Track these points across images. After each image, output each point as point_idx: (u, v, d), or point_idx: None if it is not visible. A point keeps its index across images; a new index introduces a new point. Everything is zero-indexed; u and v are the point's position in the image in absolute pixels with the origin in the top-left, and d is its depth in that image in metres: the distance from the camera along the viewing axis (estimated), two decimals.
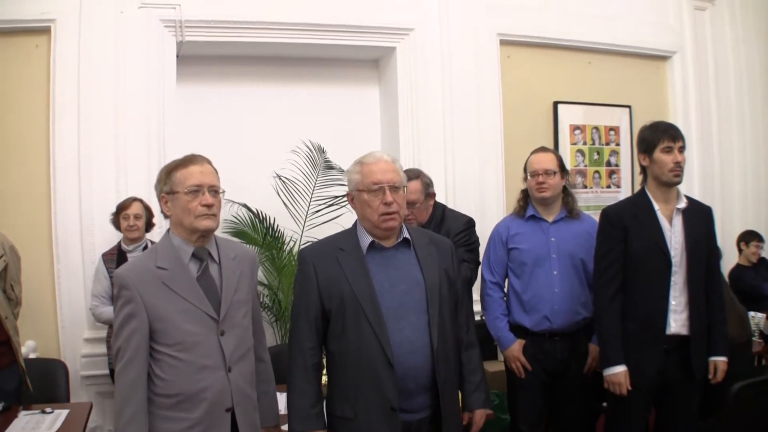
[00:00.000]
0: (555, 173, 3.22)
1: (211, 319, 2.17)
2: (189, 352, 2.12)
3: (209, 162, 2.26)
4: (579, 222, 3.28)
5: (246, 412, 2.23)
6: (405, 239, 2.34)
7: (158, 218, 4.11)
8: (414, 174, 3.49)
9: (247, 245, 4.26)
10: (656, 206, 2.90)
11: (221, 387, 2.15)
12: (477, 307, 3.47)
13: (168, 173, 2.21)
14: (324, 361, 2.39)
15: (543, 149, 3.36)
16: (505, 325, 3.30)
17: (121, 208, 4.03)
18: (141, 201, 4.07)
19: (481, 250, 3.56)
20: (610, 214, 3.01)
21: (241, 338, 2.25)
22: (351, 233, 2.37)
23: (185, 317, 2.13)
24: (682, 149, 2.88)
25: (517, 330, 3.27)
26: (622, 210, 3.00)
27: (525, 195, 3.36)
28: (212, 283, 2.22)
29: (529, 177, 3.28)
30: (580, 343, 3.22)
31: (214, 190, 2.21)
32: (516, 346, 3.23)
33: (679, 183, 2.89)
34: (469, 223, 3.60)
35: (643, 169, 2.98)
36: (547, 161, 3.23)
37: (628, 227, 2.90)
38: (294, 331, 2.32)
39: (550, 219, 3.27)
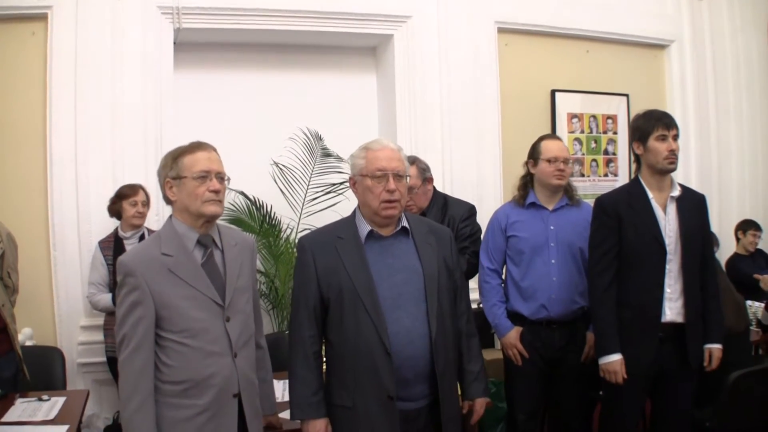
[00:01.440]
0: (570, 162, 3.25)
1: (217, 306, 2.18)
2: (196, 338, 2.13)
3: (215, 149, 2.27)
4: (578, 210, 3.27)
5: (251, 398, 2.25)
6: (404, 228, 2.34)
7: (153, 206, 4.11)
8: (410, 160, 3.47)
9: (245, 233, 4.25)
10: (650, 194, 2.90)
11: (229, 373, 2.16)
12: (475, 294, 3.47)
13: (174, 159, 2.22)
14: (323, 350, 2.39)
15: (553, 136, 3.36)
16: (503, 312, 3.30)
17: (128, 194, 3.99)
18: (143, 188, 4.06)
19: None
20: (604, 202, 3.00)
21: (245, 324, 2.27)
22: (350, 221, 2.37)
23: (191, 304, 2.14)
24: (676, 137, 2.87)
25: (515, 318, 3.27)
26: (617, 199, 2.99)
27: (525, 182, 3.34)
28: (216, 269, 2.23)
29: (545, 163, 3.21)
30: (577, 331, 3.22)
31: (221, 177, 2.22)
32: (513, 334, 3.23)
33: (673, 170, 2.89)
34: (472, 210, 3.60)
35: (637, 158, 2.98)
36: (565, 149, 3.26)
37: (623, 216, 2.90)
38: (294, 320, 2.33)
39: (551, 207, 3.26)
